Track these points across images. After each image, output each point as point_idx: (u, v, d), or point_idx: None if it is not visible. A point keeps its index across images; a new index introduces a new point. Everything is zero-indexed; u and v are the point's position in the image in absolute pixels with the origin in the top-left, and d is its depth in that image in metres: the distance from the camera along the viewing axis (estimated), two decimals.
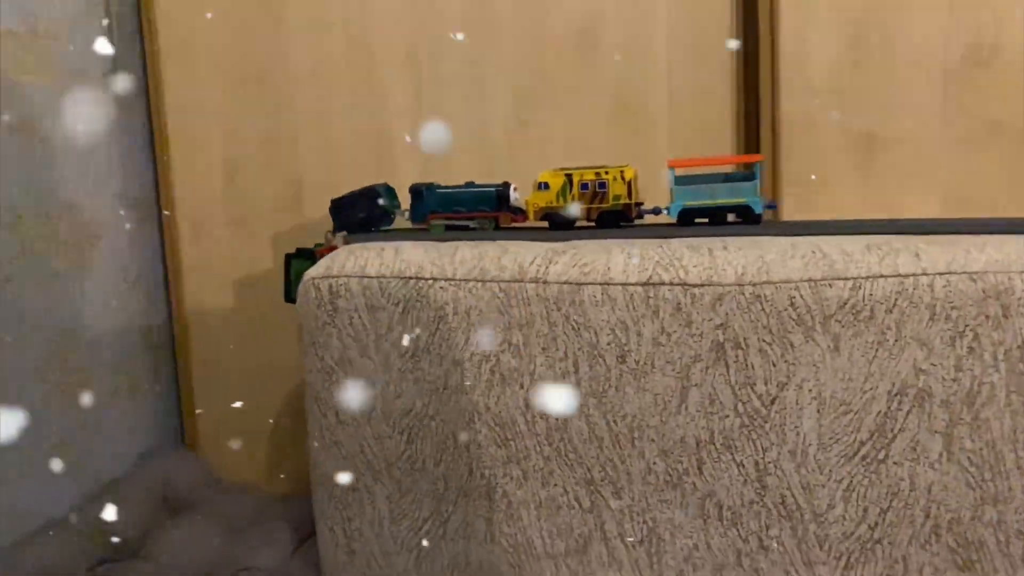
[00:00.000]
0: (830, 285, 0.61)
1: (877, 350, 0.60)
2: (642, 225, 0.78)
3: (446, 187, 0.81)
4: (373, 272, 0.70)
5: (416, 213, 0.81)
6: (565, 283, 0.65)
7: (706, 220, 0.75)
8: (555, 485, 0.67)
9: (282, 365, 0.99)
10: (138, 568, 0.82)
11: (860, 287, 0.60)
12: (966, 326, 0.59)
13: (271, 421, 1.02)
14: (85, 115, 0.92)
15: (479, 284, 0.67)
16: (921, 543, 0.62)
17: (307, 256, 0.84)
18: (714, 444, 0.63)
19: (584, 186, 0.76)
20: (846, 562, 0.63)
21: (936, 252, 0.61)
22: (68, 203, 0.88)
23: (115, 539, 0.84)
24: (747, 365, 0.62)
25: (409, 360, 0.69)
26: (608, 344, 0.64)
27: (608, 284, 0.64)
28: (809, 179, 0.88)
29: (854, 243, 0.63)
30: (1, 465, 0.78)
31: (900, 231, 0.66)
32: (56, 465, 0.85)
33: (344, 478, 0.72)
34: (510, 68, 0.94)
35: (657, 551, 0.66)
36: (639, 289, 0.63)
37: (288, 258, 0.86)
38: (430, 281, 0.68)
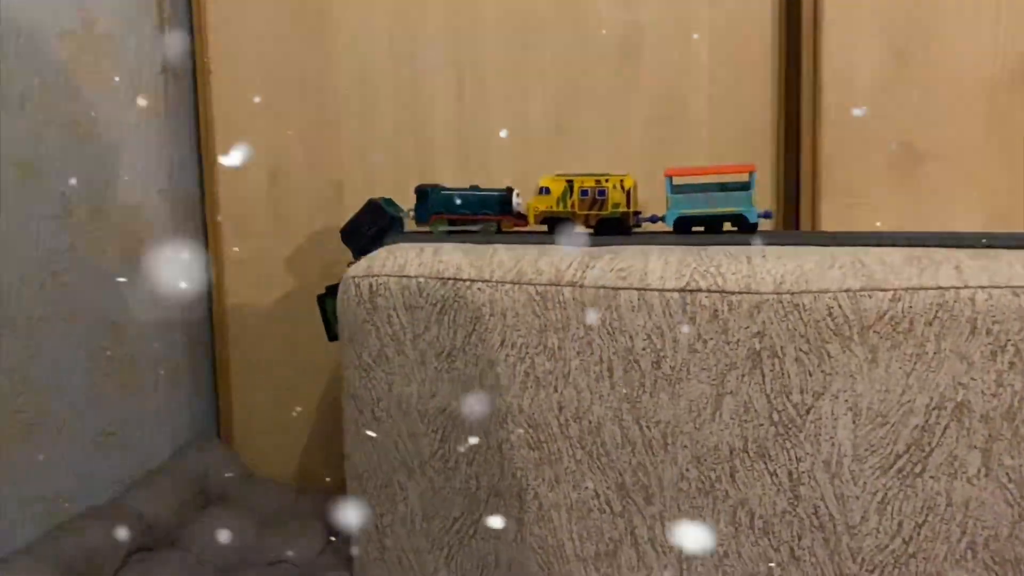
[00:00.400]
0: (869, 296, 0.60)
1: (916, 363, 0.60)
2: (639, 233, 0.79)
3: (451, 189, 0.82)
4: (412, 272, 0.71)
5: (421, 213, 0.82)
6: (602, 288, 0.66)
7: (702, 228, 0.75)
8: (586, 488, 0.68)
9: (318, 363, 1.01)
10: (173, 557, 0.84)
11: (900, 299, 0.60)
12: (1008, 341, 0.59)
13: (306, 418, 1.03)
14: (136, 113, 0.94)
15: (516, 286, 0.68)
16: (956, 559, 0.61)
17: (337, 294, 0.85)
18: (747, 452, 0.63)
19: (584, 192, 0.77)
20: (879, 575, 0.62)
21: (978, 265, 0.60)
22: (117, 199, 0.91)
23: (151, 528, 0.86)
24: (783, 374, 0.62)
25: (445, 359, 0.70)
26: (643, 349, 0.65)
27: (645, 290, 0.65)
28: (850, 190, 0.88)
29: (894, 254, 0.63)
30: (47, 451, 0.80)
31: (942, 243, 0.65)
32: (98, 453, 0.87)
33: (378, 474, 0.73)
34: (551, 74, 0.95)
35: (687, 558, 0.66)
36: (676, 295, 0.64)
37: (321, 299, 0.87)
38: (468, 282, 0.69)
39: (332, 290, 0.86)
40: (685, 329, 0.63)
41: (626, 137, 0.94)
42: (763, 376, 0.62)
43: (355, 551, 0.77)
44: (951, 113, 0.86)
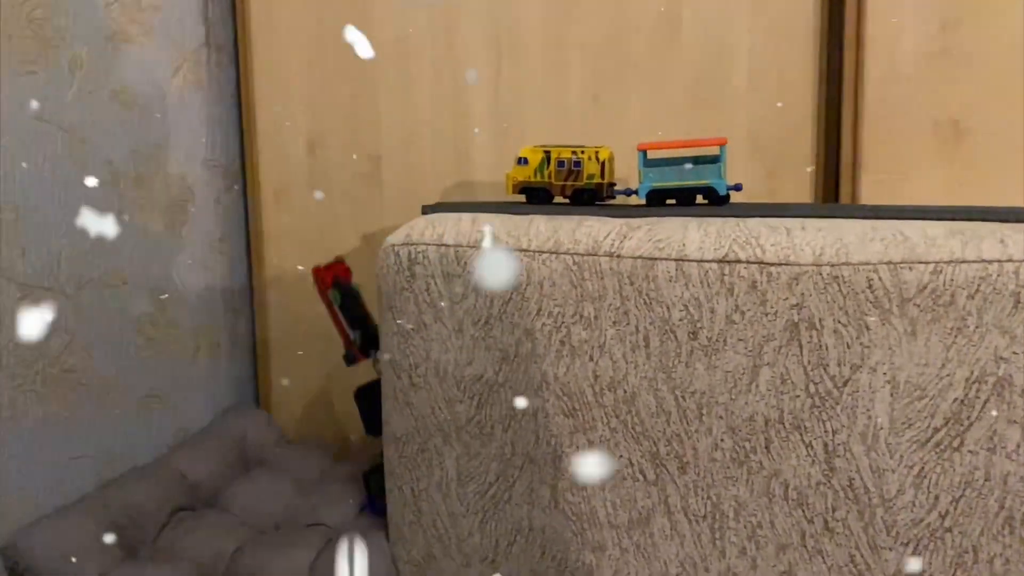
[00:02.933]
0: (910, 268, 0.60)
1: (956, 336, 0.59)
2: (613, 205, 0.80)
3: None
4: (450, 241, 0.72)
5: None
6: (639, 258, 0.66)
7: (674, 201, 0.76)
8: (620, 457, 0.68)
9: None
10: (214, 517, 0.86)
11: (941, 271, 0.59)
12: None
13: (343, 385, 1.05)
14: (180, 84, 0.96)
15: (553, 256, 0.69)
16: (993, 534, 0.61)
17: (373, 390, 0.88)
18: (783, 424, 0.63)
19: (560, 163, 0.79)
20: (914, 549, 0.62)
21: (1023, 239, 0.59)
22: (162, 168, 0.93)
23: (194, 488, 0.89)
24: (821, 346, 0.62)
25: (482, 327, 0.71)
26: (680, 320, 0.65)
27: (683, 260, 0.65)
28: (891, 165, 0.87)
29: (937, 228, 0.62)
30: (94, 411, 0.83)
31: (986, 218, 0.65)
32: (142, 415, 0.90)
33: (415, 439, 0.74)
34: (589, 44, 0.95)
35: (720, 527, 0.66)
36: (714, 266, 0.64)
37: (357, 396, 0.90)
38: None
39: (365, 389, 0.89)
40: (723, 301, 0.63)
41: (664, 109, 0.94)
42: (800, 348, 0.62)
43: (391, 515, 0.79)
44: (997, 89, 0.85)
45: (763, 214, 0.71)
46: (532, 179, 0.80)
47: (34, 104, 0.75)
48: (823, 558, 0.64)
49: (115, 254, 0.85)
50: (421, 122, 0.99)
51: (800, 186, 0.92)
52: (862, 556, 0.63)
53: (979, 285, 0.59)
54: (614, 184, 0.80)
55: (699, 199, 0.76)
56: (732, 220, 0.67)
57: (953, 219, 0.65)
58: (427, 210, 0.80)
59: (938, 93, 0.86)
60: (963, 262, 0.59)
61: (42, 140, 0.76)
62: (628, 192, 0.79)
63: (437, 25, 0.98)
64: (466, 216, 0.74)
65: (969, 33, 0.85)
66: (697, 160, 0.76)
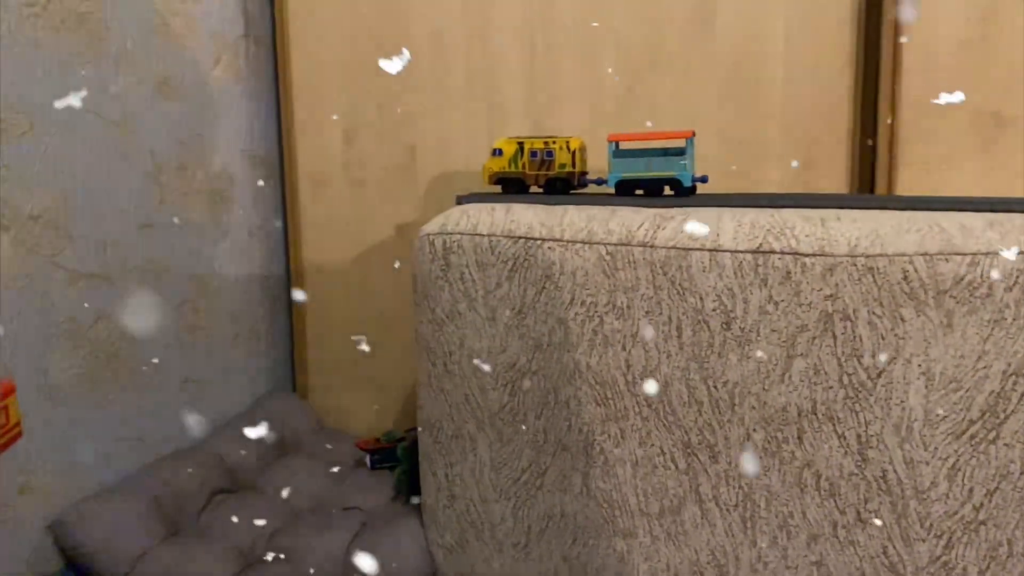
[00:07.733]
0: (946, 260, 0.59)
1: (993, 328, 0.59)
2: (584, 193, 0.81)
3: None
4: (484, 231, 0.73)
5: None
6: (672, 248, 0.66)
7: (642, 192, 0.78)
8: (652, 445, 0.69)
9: (391, 319, 1.04)
10: (252, 499, 0.88)
11: (978, 263, 0.59)
12: None
13: (377, 372, 1.06)
14: (220, 75, 0.98)
15: (586, 246, 0.69)
16: None
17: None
18: (816, 415, 0.64)
19: (534, 154, 0.81)
20: (947, 541, 0.62)
21: None
22: (202, 157, 0.95)
23: (232, 472, 0.91)
24: (855, 337, 0.62)
25: (515, 316, 0.72)
26: (713, 310, 0.65)
27: (717, 251, 0.65)
28: (928, 157, 0.86)
29: (974, 219, 0.62)
30: (137, 394, 0.85)
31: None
32: (182, 399, 0.92)
33: (449, 424, 0.75)
34: (623, 36, 0.95)
35: (751, 516, 0.67)
36: (748, 256, 0.64)
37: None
38: (539, 241, 0.71)
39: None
40: (756, 292, 0.64)
41: (698, 101, 0.94)
42: (835, 339, 0.62)
43: (425, 499, 0.80)
44: None
45: (797, 204, 0.71)
46: (507, 169, 0.82)
47: (81, 96, 0.77)
48: (855, 549, 0.64)
49: (158, 242, 0.87)
50: (456, 113, 1.00)
51: (835, 176, 0.92)
52: (895, 548, 0.63)
53: (1017, 277, 0.58)
54: (586, 173, 0.82)
55: (667, 190, 0.77)
56: (766, 211, 0.67)
57: (991, 210, 0.64)
58: (461, 200, 0.80)
59: (976, 83, 0.85)
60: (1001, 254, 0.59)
61: (88, 131, 0.78)
62: (599, 181, 0.81)
63: (472, 17, 0.98)
64: (500, 206, 0.75)
65: (1008, 22, 0.83)
66: (666, 152, 0.77)
